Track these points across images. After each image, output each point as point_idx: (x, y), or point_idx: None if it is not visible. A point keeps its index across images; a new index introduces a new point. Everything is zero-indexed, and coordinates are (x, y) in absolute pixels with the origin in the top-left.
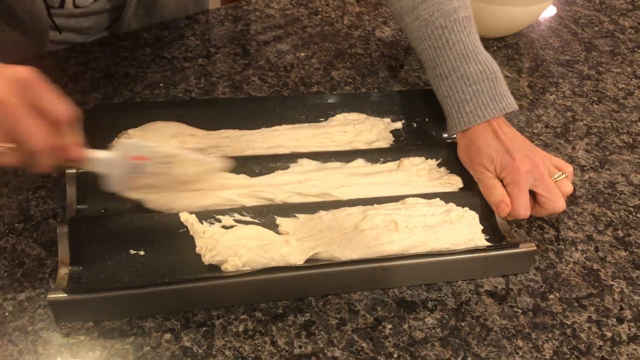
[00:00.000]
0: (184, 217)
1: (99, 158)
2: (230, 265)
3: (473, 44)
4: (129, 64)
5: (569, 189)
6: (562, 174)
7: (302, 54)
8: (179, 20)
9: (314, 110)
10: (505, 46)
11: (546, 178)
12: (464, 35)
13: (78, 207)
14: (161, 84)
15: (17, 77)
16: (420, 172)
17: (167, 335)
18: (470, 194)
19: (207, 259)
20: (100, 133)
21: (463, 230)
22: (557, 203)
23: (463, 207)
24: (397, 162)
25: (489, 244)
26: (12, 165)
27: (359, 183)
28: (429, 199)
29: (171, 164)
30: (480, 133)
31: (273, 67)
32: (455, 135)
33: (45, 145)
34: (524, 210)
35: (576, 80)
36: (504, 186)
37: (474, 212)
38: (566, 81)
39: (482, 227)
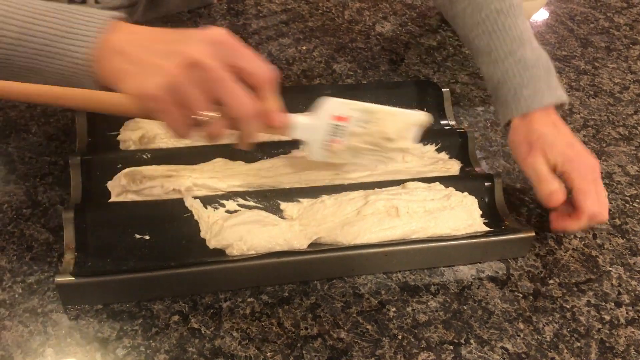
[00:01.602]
0: (189, 201)
1: (302, 123)
2: (236, 249)
3: (528, 30)
4: None
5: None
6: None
7: (304, 47)
8: (182, 14)
9: (313, 101)
10: None
11: (600, 182)
12: (520, 20)
13: (83, 193)
14: None
15: (215, 39)
16: (407, 158)
17: (176, 317)
18: (470, 178)
19: (212, 243)
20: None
21: (462, 216)
22: (604, 211)
23: (462, 192)
24: None
25: (487, 229)
26: (216, 135)
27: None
28: (429, 183)
29: (369, 122)
30: (542, 121)
31: (275, 59)
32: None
33: (251, 111)
34: (598, 206)
35: (573, 75)
36: (565, 180)
37: (473, 197)
38: (563, 76)
39: (481, 212)
